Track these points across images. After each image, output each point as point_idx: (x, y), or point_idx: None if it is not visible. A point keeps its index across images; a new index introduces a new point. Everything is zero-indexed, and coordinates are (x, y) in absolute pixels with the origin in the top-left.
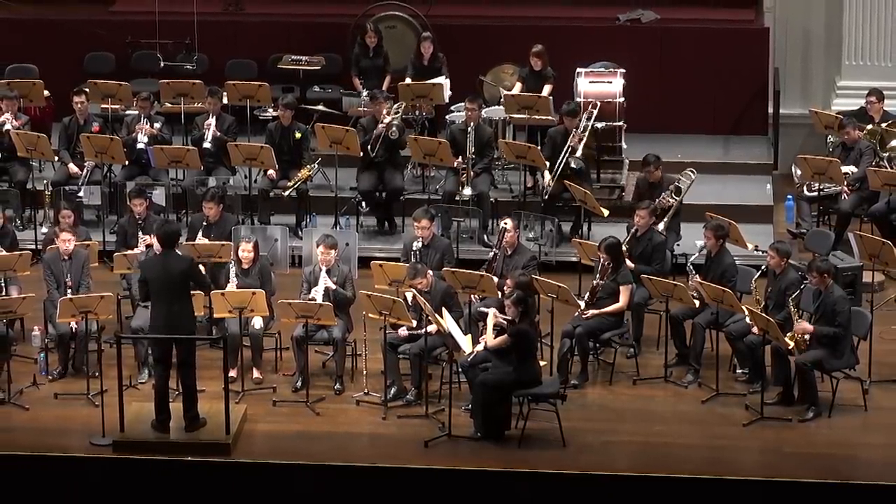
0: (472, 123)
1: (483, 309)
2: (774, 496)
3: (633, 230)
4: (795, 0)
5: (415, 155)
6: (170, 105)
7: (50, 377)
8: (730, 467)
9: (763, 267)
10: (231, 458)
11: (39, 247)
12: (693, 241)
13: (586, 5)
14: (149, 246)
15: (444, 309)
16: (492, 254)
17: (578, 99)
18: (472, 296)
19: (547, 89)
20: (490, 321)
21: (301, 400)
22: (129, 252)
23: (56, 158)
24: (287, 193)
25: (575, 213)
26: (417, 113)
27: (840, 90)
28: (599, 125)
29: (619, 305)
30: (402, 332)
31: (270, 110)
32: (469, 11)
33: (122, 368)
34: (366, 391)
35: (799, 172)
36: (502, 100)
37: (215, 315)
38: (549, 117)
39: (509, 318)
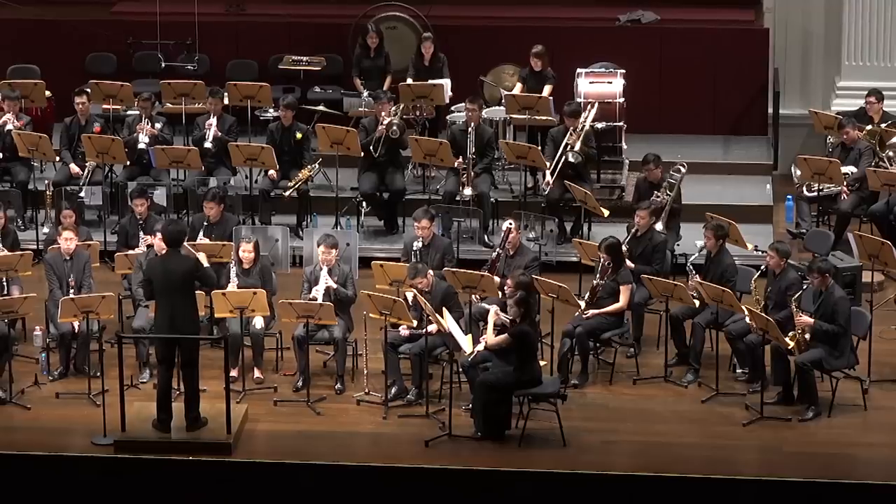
0: (472, 124)
1: (484, 305)
2: (774, 496)
3: (633, 230)
4: (795, 0)
5: (415, 155)
6: (171, 105)
7: (51, 377)
8: (730, 467)
9: (763, 267)
10: (232, 458)
11: (41, 247)
12: (693, 241)
13: (586, 6)
14: (149, 246)
15: (444, 309)
16: (495, 254)
17: (579, 99)
18: (473, 296)
19: (547, 90)
20: (491, 319)
21: (302, 400)
22: (131, 252)
23: (57, 159)
24: (288, 194)
25: (575, 213)
26: (418, 113)
27: (840, 90)
28: (599, 125)
29: (620, 305)
30: (403, 331)
31: (271, 111)
32: (470, 12)
33: (123, 368)
34: (367, 391)
35: (798, 173)
36: (503, 100)
37: (216, 315)
38: (550, 118)
39: (511, 317)
